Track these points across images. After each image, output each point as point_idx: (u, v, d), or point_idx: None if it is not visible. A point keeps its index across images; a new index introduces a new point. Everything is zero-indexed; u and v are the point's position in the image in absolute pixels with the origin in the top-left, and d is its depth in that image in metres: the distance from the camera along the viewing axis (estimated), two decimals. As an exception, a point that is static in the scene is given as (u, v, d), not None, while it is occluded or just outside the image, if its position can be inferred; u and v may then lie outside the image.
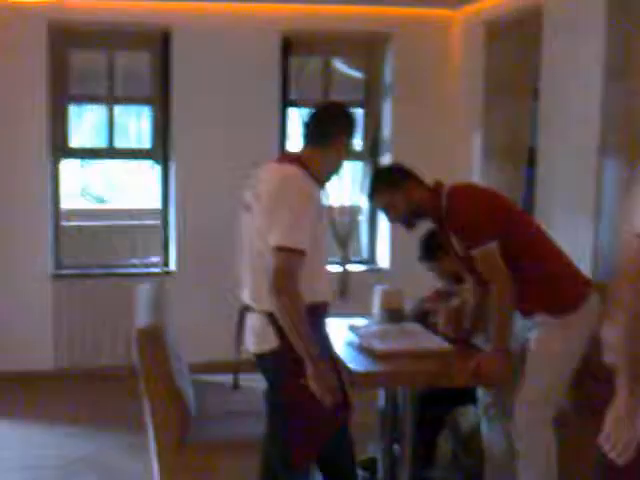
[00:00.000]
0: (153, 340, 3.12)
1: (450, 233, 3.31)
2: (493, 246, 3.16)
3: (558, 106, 4.83)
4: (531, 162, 5.14)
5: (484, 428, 3.55)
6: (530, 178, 5.17)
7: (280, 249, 2.75)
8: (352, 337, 3.55)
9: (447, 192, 3.30)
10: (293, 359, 2.80)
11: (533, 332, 3.28)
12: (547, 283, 3.25)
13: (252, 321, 2.97)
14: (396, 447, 3.60)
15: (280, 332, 2.83)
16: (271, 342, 2.87)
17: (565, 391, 3.25)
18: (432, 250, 3.88)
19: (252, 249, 2.93)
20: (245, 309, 3.02)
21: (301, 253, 2.77)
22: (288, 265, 2.74)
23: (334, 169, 3.10)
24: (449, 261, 3.86)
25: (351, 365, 3.17)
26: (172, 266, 5.97)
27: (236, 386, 3.18)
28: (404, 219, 3.38)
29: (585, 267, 4.36)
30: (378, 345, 3.33)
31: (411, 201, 3.33)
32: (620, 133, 4.23)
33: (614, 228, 4.28)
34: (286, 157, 3.12)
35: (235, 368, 3.14)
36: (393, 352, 3.29)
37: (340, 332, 3.64)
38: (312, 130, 3.07)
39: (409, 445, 3.40)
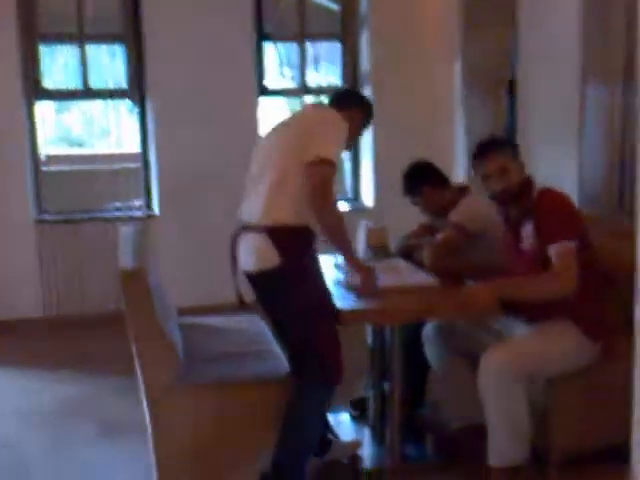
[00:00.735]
0: (137, 281, 3.09)
1: (528, 223, 3.25)
2: (573, 246, 3.12)
3: (538, 33, 4.76)
4: (512, 92, 5.10)
5: (426, 349, 3.62)
6: (512, 108, 5.14)
7: (321, 161, 2.90)
8: (338, 275, 3.56)
9: (540, 188, 3.28)
10: (296, 273, 2.97)
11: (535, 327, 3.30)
12: (590, 300, 3.23)
13: (251, 241, 3.05)
14: (386, 385, 3.66)
15: (280, 249, 2.95)
16: (273, 260, 2.97)
17: (537, 379, 3.24)
18: (416, 183, 3.87)
19: (274, 167, 3.04)
20: (242, 229, 3.09)
21: (335, 168, 2.95)
22: (328, 176, 2.93)
23: None
24: (433, 195, 3.86)
25: (338, 303, 3.17)
26: (155, 209, 5.93)
27: (242, 302, 3.27)
28: (511, 191, 3.25)
29: (571, 195, 4.38)
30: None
31: (521, 177, 3.27)
32: (601, 59, 4.19)
33: (597, 154, 4.27)
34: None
35: (236, 287, 3.20)
36: (380, 289, 3.30)
37: (326, 270, 3.64)
38: (334, 96, 3.40)
39: (398, 383, 3.43)
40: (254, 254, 3.04)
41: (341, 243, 3.05)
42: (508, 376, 3.08)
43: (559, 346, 3.22)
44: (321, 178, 2.91)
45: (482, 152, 3.31)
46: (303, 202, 2.99)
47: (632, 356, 3.08)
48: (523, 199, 3.26)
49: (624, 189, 4.15)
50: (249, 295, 3.22)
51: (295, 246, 2.99)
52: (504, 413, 3.11)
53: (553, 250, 3.12)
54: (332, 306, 3.07)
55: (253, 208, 3.08)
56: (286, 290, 3.01)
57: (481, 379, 3.14)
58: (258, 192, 3.09)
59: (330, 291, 3.15)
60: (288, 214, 3.00)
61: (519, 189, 3.25)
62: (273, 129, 3.24)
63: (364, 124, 3.37)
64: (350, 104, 3.28)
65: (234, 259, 3.16)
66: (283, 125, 3.20)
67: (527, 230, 3.26)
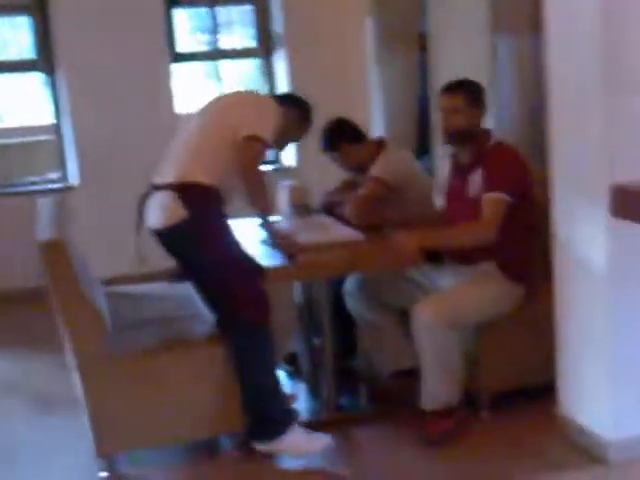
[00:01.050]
0: (57, 252, 3.04)
1: (478, 171, 3.32)
2: (506, 199, 3.21)
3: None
4: (424, 45, 5.15)
5: (349, 303, 3.67)
6: (424, 63, 5.19)
7: (257, 138, 3.07)
8: (263, 235, 3.58)
9: (498, 140, 3.40)
10: (203, 227, 3.08)
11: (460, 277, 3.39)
12: (514, 247, 3.35)
13: (159, 198, 3.13)
14: (316, 340, 3.70)
15: (187, 204, 3.05)
16: (180, 214, 3.05)
17: (468, 325, 3.34)
18: (333, 140, 3.89)
19: (201, 135, 3.20)
20: (152, 189, 3.17)
21: (267, 148, 3.15)
22: (261, 152, 3.12)
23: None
24: (351, 151, 3.89)
25: (265, 262, 3.22)
26: (74, 180, 5.81)
27: (142, 260, 3.34)
28: (457, 132, 3.33)
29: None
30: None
31: (478, 122, 3.36)
32: (510, 9, 4.27)
33: (509, 104, 4.36)
34: None
35: (137, 245, 3.28)
36: (305, 246, 3.33)
37: (251, 231, 3.66)
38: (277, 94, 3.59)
39: (329, 337, 3.48)
40: (162, 211, 3.11)
41: (263, 208, 3.23)
42: (442, 325, 3.18)
43: (487, 293, 3.33)
44: (254, 153, 3.08)
45: (445, 88, 3.44)
46: (224, 169, 3.11)
47: (554, 299, 3.22)
48: (473, 145, 3.35)
49: (536, 138, 4.25)
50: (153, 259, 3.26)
51: (201, 201, 3.10)
52: (439, 359, 3.21)
53: (487, 197, 3.23)
54: (245, 257, 3.17)
55: (168, 169, 3.16)
56: (196, 244, 3.09)
57: (416, 330, 3.23)
58: (177, 156, 3.17)
59: (240, 245, 3.21)
60: (202, 174, 3.10)
61: (467, 133, 3.33)
62: (203, 107, 3.33)
63: (299, 127, 3.44)
64: (289, 103, 3.41)
65: (140, 219, 3.24)
66: (215, 102, 3.34)
67: (476, 177, 3.34)
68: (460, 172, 3.44)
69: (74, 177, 5.79)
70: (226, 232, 3.16)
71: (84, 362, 3.09)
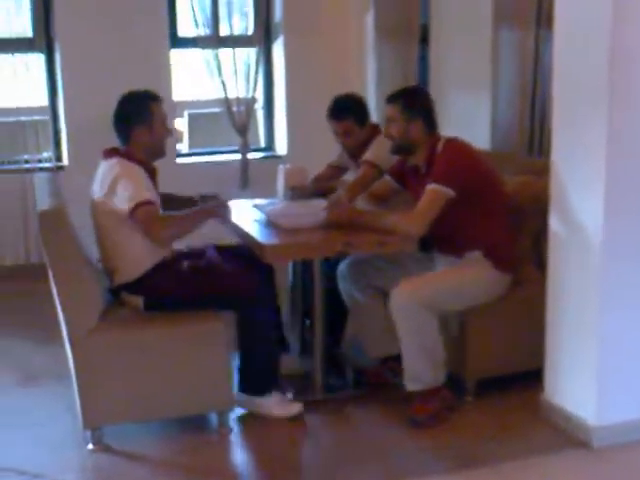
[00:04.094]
0: (58, 220, 3.06)
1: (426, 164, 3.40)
2: (446, 192, 3.24)
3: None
4: (424, 40, 5.18)
5: (340, 284, 3.69)
6: (424, 56, 5.22)
7: (137, 205, 3.12)
8: (258, 215, 3.60)
9: (447, 138, 3.42)
10: (160, 296, 3.26)
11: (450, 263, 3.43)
12: (497, 236, 3.40)
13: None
14: (307, 322, 3.73)
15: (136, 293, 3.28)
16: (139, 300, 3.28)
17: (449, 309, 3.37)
18: (344, 110, 3.94)
19: (97, 234, 3.33)
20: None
21: (153, 203, 3.18)
22: (151, 213, 3.15)
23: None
24: (354, 128, 3.94)
25: (260, 240, 3.25)
26: (65, 161, 5.80)
27: None
28: (395, 144, 3.46)
29: (484, 138, 4.50)
30: (285, 220, 3.39)
31: (417, 133, 3.40)
32: (514, 4, 4.29)
33: (510, 97, 4.38)
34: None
35: None
36: (300, 226, 3.36)
37: (245, 212, 3.68)
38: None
39: (320, 318, 3.50)
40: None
41: (189, 228, 3.27)
42: (417, 306, 3.20)
43: (469, 279, 3.36)
44: (147, 220, 3.14)
45: (387, 97, 3.52)
46: (132, 249, 3.24)
47: (544, 287, 3.25)
48: (422, 152, 3.39)
49: (534, 130, 4.29)
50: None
51: (143, 288, 3.26)
52: (416, 340, 3.24)
53: (427, 188, 3.27)
54: (207, 263, 3.39)
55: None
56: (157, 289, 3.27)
57: (392, 310, 3.26)
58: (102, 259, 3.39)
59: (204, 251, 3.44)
60: (124, 273, 3.27)
61: (404, 144, 3.40)
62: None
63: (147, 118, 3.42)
64: (128, 127, 3.39)
65: None
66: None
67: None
68: (420, 177, 3.44)
69: (66, 157, 5.77)
70: (180, 276, 3.29)
71: (76, 332, 3.09)
